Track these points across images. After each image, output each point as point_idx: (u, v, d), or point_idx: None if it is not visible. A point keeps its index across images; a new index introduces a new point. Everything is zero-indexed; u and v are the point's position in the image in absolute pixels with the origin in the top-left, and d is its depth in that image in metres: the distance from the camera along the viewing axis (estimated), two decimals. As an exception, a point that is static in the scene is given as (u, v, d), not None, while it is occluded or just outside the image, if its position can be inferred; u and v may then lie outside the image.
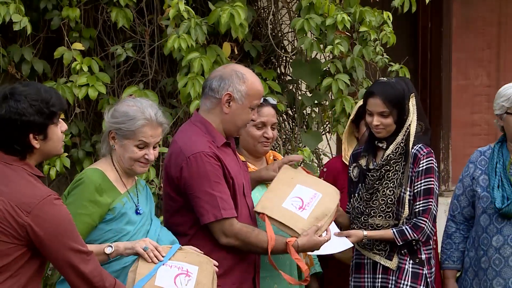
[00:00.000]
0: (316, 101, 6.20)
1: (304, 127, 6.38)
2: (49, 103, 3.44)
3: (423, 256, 4.61)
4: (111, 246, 3.87)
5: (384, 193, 4.57)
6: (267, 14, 6.37)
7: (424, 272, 4.60)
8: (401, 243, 4.54)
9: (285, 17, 6.45)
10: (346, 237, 4.50)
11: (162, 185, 5.57)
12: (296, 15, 6.14)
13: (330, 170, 5.07)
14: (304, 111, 6.37)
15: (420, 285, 4.57)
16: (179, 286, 3.82)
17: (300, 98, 6.30)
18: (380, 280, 4.61)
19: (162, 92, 6.09)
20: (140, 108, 4.00)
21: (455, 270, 4.98)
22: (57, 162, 5.64)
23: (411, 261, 4.58)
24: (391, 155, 4.58)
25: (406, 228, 4.53)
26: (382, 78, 4.78)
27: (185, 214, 4.22)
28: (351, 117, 5.08)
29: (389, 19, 6.20)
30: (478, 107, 8.69)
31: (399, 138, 4.59)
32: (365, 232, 4.53)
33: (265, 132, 4.66)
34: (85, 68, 5.59)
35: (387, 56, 6.31)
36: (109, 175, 3.99)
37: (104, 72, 5.78)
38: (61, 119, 3.61)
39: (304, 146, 6.18)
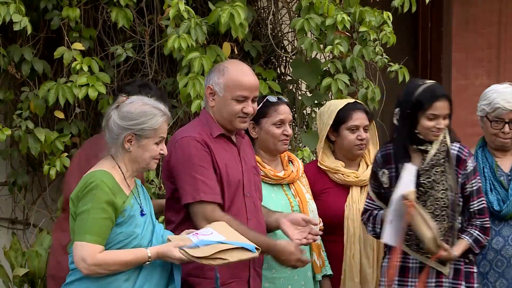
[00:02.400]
0: (316, 101, 6.21)
1: (304, 127, 6.39)
2: None
3: (471, 255, 4.60)
4: (149, 251, 3.89)
5: (436, 197, 4.50)
6: (267, 14, 6.37)
7: (474, 271, 4.59)
8: (478, 251, 4.54)
9: (285, 17, 6.46)
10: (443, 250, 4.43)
11: (162, 184, 5.59)
12: (296, 15, 6.15)
13: (306, 175, 5.02)
14: (304, 111, 6.37)
15: (474, 284, 4.57)
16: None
17: (300, 98, 6.30)
18: (434, 284, 4.54)
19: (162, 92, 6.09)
20: (153, 105, 3.97)
21: None
22: (57, 162, 5.64)
23: (462, 262, 4.56)
24: (439, 154, 4.54)
25: (478, 235, 4.52)
26: (429, 80, 4.68)
27: (176, 201, 4.26)
28: (329, 121, 4.96)
29: (389, 19, 6.20)
30: (478, 107, 8.68)
31: (440, 137, 4.55)
32: (455, 253, 4.48)
33: (285, 129, 4.69)
34: (85, 68, 5.59)
35: (387, 56, 6.31)
36: (115, 177, 3.93)
37: (104, 72, 5.78)
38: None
39: (304, 146, 6.18)
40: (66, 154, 5.70)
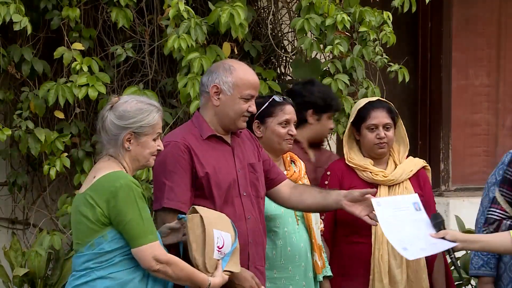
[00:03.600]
0: (316, 101, 6.20)
1: (304, 127, 6.37)
2: None
3: None
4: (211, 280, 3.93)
5: None
6: (267, 14, 6.37)
7: None
8: None
9: (285, 17, 6.45)
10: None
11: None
12: (296, 15, 6.14)
13: (335, 172, 5.01)
14: (304, 111, 6.37)
15: None
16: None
17: (300, 98, 6.29)
18: None
19: (162, 92, 6.09)
20: (146, 101, 3.98)
21: (492, 277, 4.82)
22: (57, 162, 5.64)
23: None
24: None
25: None
26: None
27: None
28: (350, 119, 5.04)
29: (389, 19, 6.20)
30: (478, 107, 8.68)
31: None
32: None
33: (290, 129, 4.70)
34: (85, 68, 5.59)
35: (387, 56, 6.30)
36: None
37: (104, 72, 5.78)
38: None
39: (304, 146, 6.18)
40: (66, 154, 5.69)
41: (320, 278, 4.80)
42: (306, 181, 4.88)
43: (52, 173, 5.63)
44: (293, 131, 4.71)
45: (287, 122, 4.70)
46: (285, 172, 4.74)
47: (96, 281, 3.84)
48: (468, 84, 8.62)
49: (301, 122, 5.08)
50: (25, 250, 5.83)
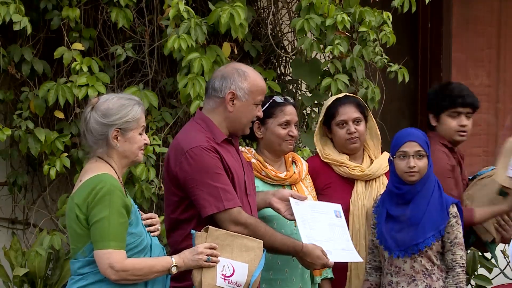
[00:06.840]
0: (316, 101, 6.21)
1: (304, 127, 6.38)
2: None
3: None
4: (176, 266, 3.90)
5: None
6: (267, 14, 6.37)
7: None
8: None
9: (285, 17, 6.46)
10: None
11: (162, 184, 5.59)
12: (296, 15, 6.14)
13: (308, 170, 5.03)
14: (304, 111, 6.37)
15: None
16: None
17: (300, 98, 6.30)
18: None
19: (162, 92, 6.10)
20: (126, 97, 3.98)
21: None
22: (57, 162, 5.64)
23: None
24: None
25: None
26: None
27: (186, 209, 4.23)
28: (320, 118, 5.01)
29: (389, 19, 6.20)
30: (478, 107, 8.68)
31: None
32: None
33: (290, 130, 4.68)
34: (85, 68, 5.59)
35: (387, 57, 6.30)
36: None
37: (104, 72, 5.78)
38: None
39: (304, 146, 6.18)
40: (66, 154, 5.70)
41: (318, 280, 4.79)
42: (308, 182, 4.87)
43: (52, 173, 5.63)
44: (294, 132, 4.69)
45: (287, 123, 4.68)
46: (284, 173, 4.74)
47: (93, 285, 3.85)
48: (468, 84, 8.57)
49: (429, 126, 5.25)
50: (25, 250, 5.83)
